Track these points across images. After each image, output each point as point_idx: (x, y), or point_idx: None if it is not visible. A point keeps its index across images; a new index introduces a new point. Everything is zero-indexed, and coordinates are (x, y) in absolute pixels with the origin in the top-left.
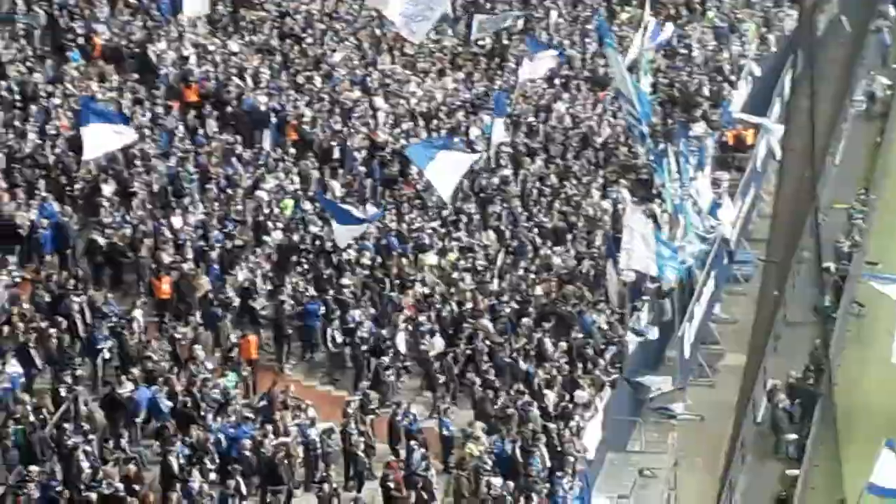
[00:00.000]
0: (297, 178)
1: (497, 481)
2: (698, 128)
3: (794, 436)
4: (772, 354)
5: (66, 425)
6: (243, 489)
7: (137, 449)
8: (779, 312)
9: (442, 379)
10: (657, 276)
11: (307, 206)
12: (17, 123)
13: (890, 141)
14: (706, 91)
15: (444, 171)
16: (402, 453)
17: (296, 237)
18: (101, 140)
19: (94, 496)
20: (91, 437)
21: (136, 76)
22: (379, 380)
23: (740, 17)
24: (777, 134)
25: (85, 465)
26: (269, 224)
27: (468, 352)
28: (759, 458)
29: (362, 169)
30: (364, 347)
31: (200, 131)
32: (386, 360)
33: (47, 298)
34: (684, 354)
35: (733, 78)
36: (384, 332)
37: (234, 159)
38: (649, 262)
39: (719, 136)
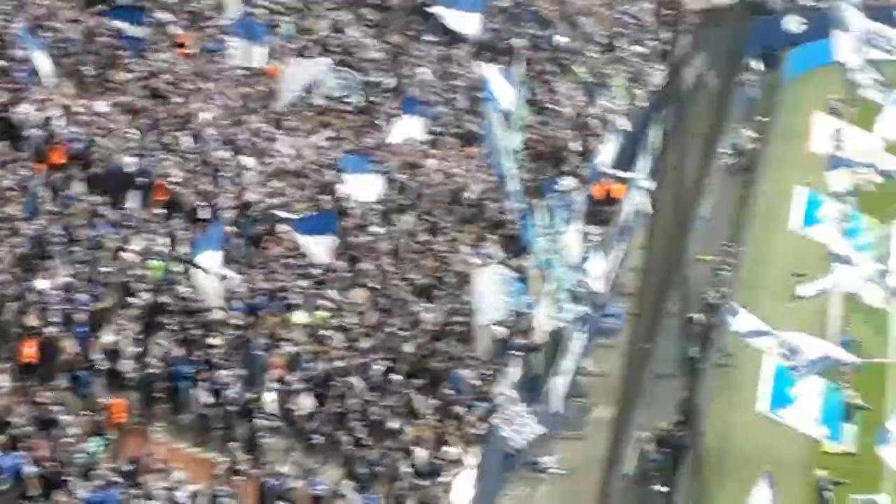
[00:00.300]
0: (166, 239)
1: None
2: (567, 182)
3: (664, 487)
4: (641, 407)
5: None
6: None
7: None
8: (647, 365)
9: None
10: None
11: (176, 266)
12: None
13: (756, 194)
14: (575, 146)
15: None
16: None
17: (164, 298)
18: None
19: None
20: None
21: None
22: (253, 443)
23: (608, 73)
24: (645, 187)
25: None
26: (137, 285)
27: (338, 410)
28: None
29: (232, 228)
30: (232, 408)
31: (66, 192)
32: (263, 422)
33: None
34: (553, 408)
35: (601, 132)
36: (253, 392)
37: (100, 220)
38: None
39: (588, 190)
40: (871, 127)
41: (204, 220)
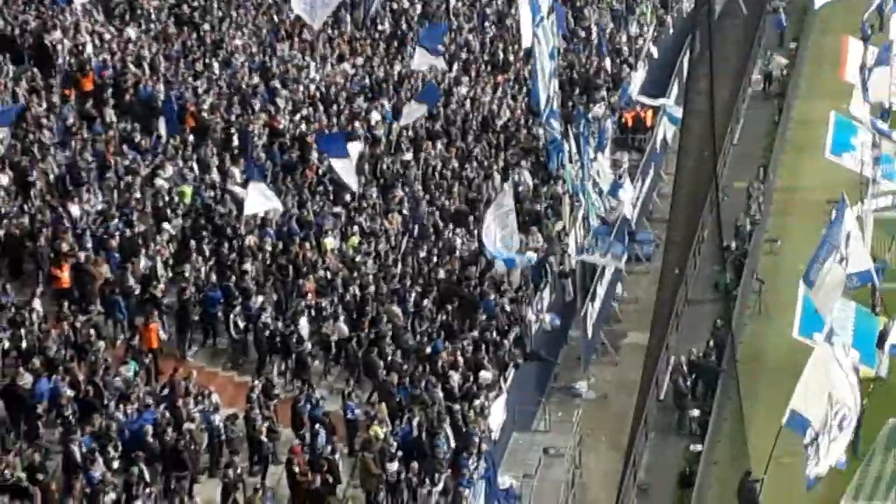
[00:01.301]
0: (195, 166)
1: (393, 466)
2: (598, 109)
3: (696, 412)
4: (674, 332)
5: None
6: (147, 476)
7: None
8: (680, 290)
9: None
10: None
11: (207, 192)
12: None
13: (787, 121)
14: (605, 73)
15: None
16: (307, 437)
17: (196, 223)
18: None
19: None
20: None
21: (32, 65)
22: (303, 366)
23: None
24: (675, 115)
25: None
26: (169, 211)
27: (372, 335)
28: (662, 434)
29: (262, 155)
30: (266, 333)
31: (98, 120)
32: (308, 346)
33: None
34: (587, 334)
35: (632, 60)
36: (286, 317)
37: (131, 147)
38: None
39: (619, 117)
40: None
41: (235, 147)
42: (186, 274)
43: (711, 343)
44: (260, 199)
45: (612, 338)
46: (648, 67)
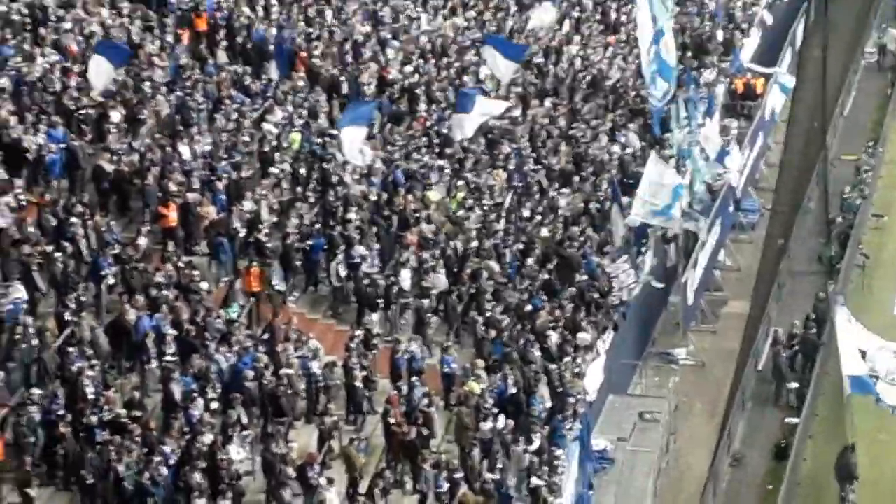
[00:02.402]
0: (305, 112)
1: (487, 425)
2: (708, 75)
3: (795, 384)
4: (775, 303)
5: (69, 349)
6: (244, 419)
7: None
8: (783, 261)
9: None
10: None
11: (316, 139)
12: (26, 47)
13: None
14: (718, 38)
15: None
16: (404, 389)
17: (303, 170)
18: (102, 71)
19: (95, 420)
20: (94, 362)
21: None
22: (421, 322)
23: None
24: (786, 84)
25: (88, 389)
26: (276, 156)
27: (472, 291)
28: (759, 405)
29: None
30: (367, 283)
31: (210, 61)
32: (427, 302)
33: (53, 222)
34: (687, 301)
35: (745, 26)
36: (388, 268)
37: (242, 90)
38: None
39: (729, 83)
40: None
41: (344, 95)
42: (291, 220)
43: (813, 316)
44: (354, 147)
45: (713, 305)
46: (761, 34)
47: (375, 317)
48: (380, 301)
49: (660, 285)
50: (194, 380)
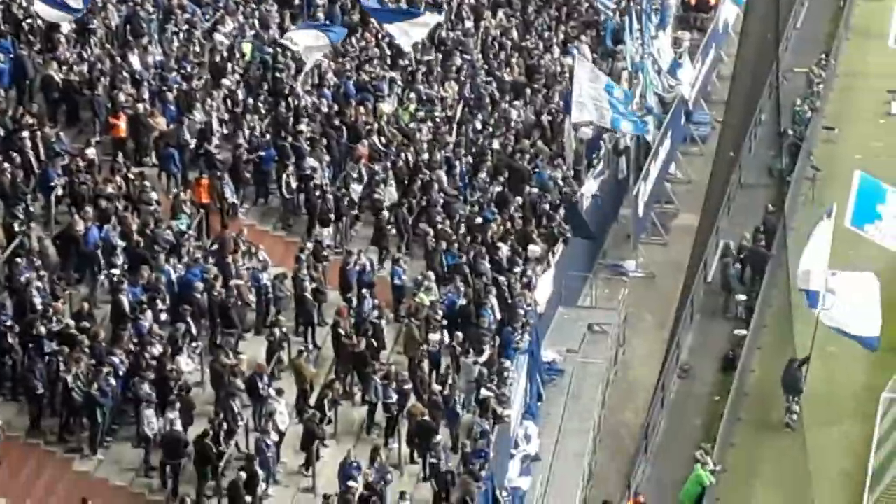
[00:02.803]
0: (256, 23)
1: (436, 337)
2: None
3: (743, 297)
4: (725, 215)
5: (18, 260)
6: (193, 330)
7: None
8: (734, 174)
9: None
10: (612, 127)
11: (267, 49)
12: None
13: (852, 8)
14: None
15: (406, 30)
16: (354, 301)
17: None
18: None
19: (43, 330)
20: (43, 273)
21: None
22: (382, 233)
23: None
24: None
25: (37, 300)
26: (228, 67)
27: (422, 202)
28: (708, 317)
29: (321, 16)
30: (318, 194)
31: None
32: (386, 214)
33: (1, 133)
34: (638, 213)
35: None
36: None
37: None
38: (603, 113)
39: None
40: None
41: (295, 5)
42: (242, 131)
43: (762, 228)
44: (313, 46)
45: (663, 218)
46: None
47: (326, 231)
48: (330, 214)
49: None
50: (143, 291)
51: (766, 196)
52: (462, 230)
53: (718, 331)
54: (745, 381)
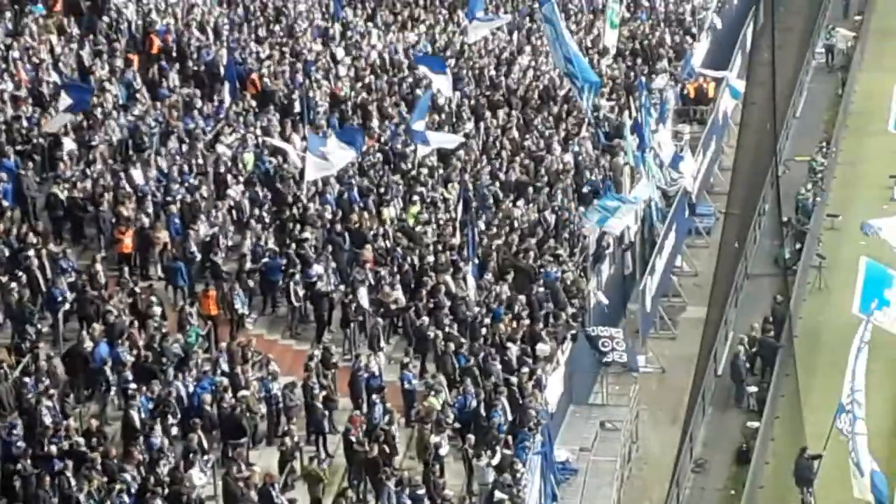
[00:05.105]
0: (258, 132)
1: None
2: (660, 80)
3: (754, 388)
4: (733, 307)
5: (27, 379)
6: (205, 443)
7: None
8: (739, 265)
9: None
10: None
11: (269, 159)
12: None
13: (851, 94)
14: (668, 43)
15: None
16: (364, 407)
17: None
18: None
19: (55, 450)
20: (52, 391)
21: (95, 25)
22: (424, 338)
23: None
24: (737, 88)
25: (47, 419)
26: (230, 178)
27: (430, 305)
28: (720, 410)
29: (323, 122)
30: (325, 302)
31: (161, 85)
32: (426, 320)
33: (6, 252)
34: (646, 307)
35: (695, 30)
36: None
37: (194, 113)
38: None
39: (681, 88)
40: None
41: (296, 114)
42: (247, 241)
43: (770, 319)
44: (317, 168)
45: (671, 312)
46: (712, 38)
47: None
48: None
49: (605, 301)
50: (154, 406)
51: (773, 286)
52: (470, 331)
53: (731, 423)
54: (760, 473)
